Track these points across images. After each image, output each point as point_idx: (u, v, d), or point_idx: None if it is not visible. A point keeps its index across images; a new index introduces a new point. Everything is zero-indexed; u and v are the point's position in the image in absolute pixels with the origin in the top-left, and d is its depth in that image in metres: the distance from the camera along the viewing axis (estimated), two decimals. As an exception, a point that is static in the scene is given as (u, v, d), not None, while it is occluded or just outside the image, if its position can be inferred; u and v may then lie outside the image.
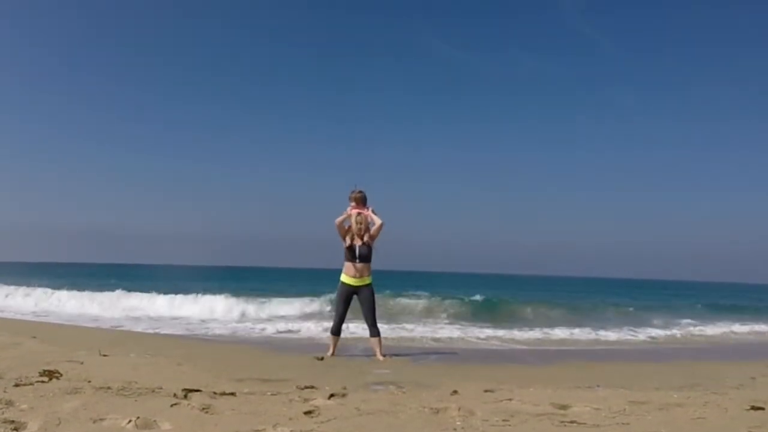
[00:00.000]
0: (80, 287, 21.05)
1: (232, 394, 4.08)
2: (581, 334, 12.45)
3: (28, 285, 21.55)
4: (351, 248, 6.52)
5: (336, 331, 6.76)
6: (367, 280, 6.65)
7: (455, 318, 15.91)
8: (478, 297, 19.86)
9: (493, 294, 23.92)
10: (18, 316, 13.92)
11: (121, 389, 4.03)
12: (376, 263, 6.69)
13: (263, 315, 15.62)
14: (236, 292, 18.90)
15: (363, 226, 6.54)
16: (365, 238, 6.55)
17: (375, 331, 6.69)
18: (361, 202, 6.63)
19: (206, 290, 18.78)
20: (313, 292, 18.86)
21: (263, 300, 17.43)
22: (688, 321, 16.52)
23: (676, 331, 14.04)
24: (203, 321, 14.05)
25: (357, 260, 6.53)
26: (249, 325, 13.06)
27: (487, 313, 16.96)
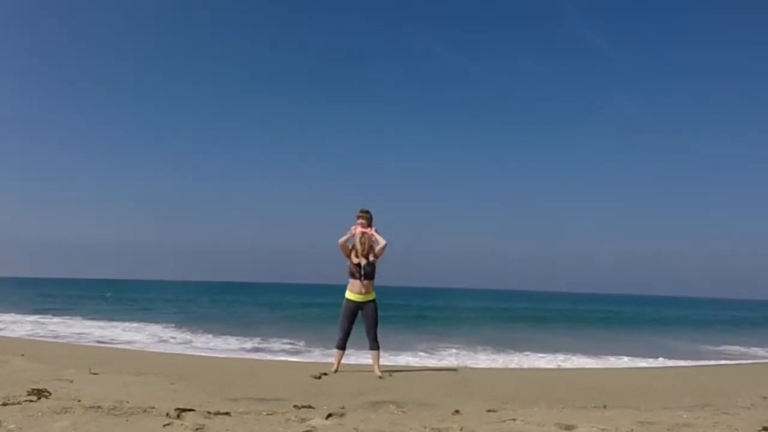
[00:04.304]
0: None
1: (227, 413, 3.93)
2: (589, 349, 12.33)
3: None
4: (357, 266, 6.73)
5: (341, 346, 6.88)
6: (371, 296, 6.84)
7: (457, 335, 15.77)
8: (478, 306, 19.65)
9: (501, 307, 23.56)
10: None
11: (112, 409, 3.87)
12: (380, 280, 6.86)
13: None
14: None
15: (367, 246, 6.73)
16: (370, 258, 6.75)
17: (375, 345, 6.82)
18: (368, 222, 6.83)
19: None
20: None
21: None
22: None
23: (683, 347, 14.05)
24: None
25: (362, 278, 6.72)
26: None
27: (491, 328, 16.79)
